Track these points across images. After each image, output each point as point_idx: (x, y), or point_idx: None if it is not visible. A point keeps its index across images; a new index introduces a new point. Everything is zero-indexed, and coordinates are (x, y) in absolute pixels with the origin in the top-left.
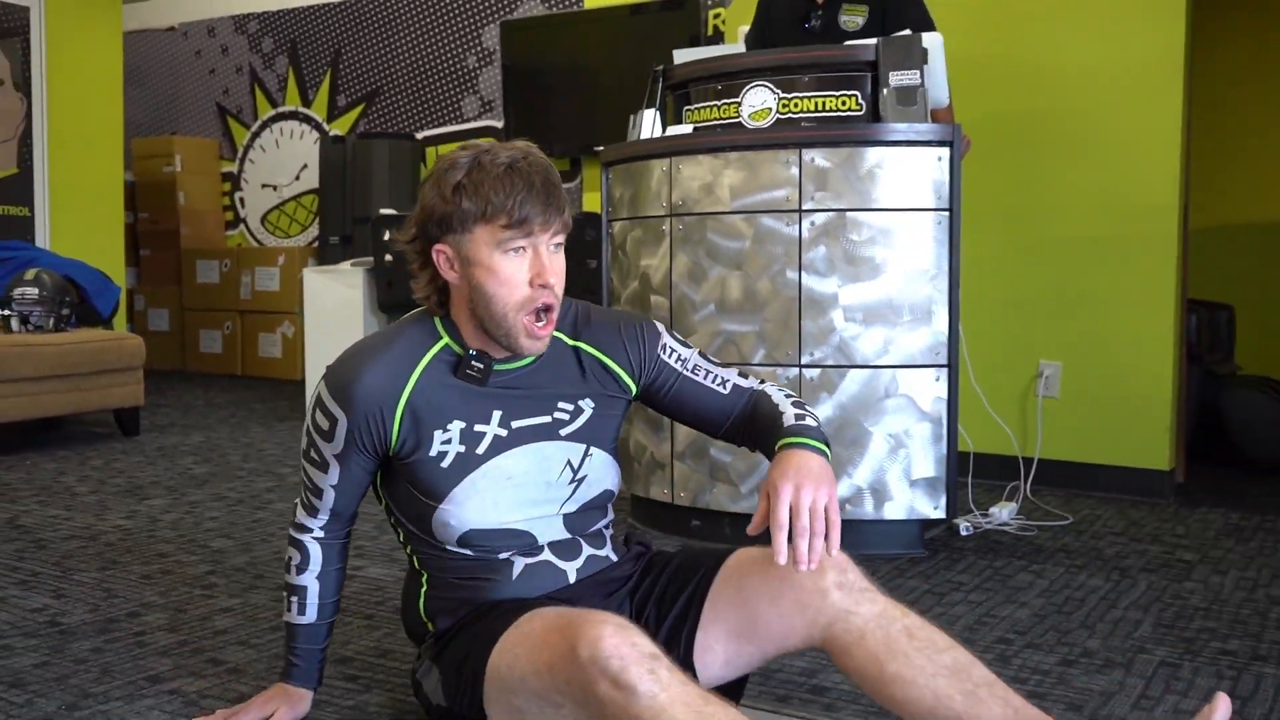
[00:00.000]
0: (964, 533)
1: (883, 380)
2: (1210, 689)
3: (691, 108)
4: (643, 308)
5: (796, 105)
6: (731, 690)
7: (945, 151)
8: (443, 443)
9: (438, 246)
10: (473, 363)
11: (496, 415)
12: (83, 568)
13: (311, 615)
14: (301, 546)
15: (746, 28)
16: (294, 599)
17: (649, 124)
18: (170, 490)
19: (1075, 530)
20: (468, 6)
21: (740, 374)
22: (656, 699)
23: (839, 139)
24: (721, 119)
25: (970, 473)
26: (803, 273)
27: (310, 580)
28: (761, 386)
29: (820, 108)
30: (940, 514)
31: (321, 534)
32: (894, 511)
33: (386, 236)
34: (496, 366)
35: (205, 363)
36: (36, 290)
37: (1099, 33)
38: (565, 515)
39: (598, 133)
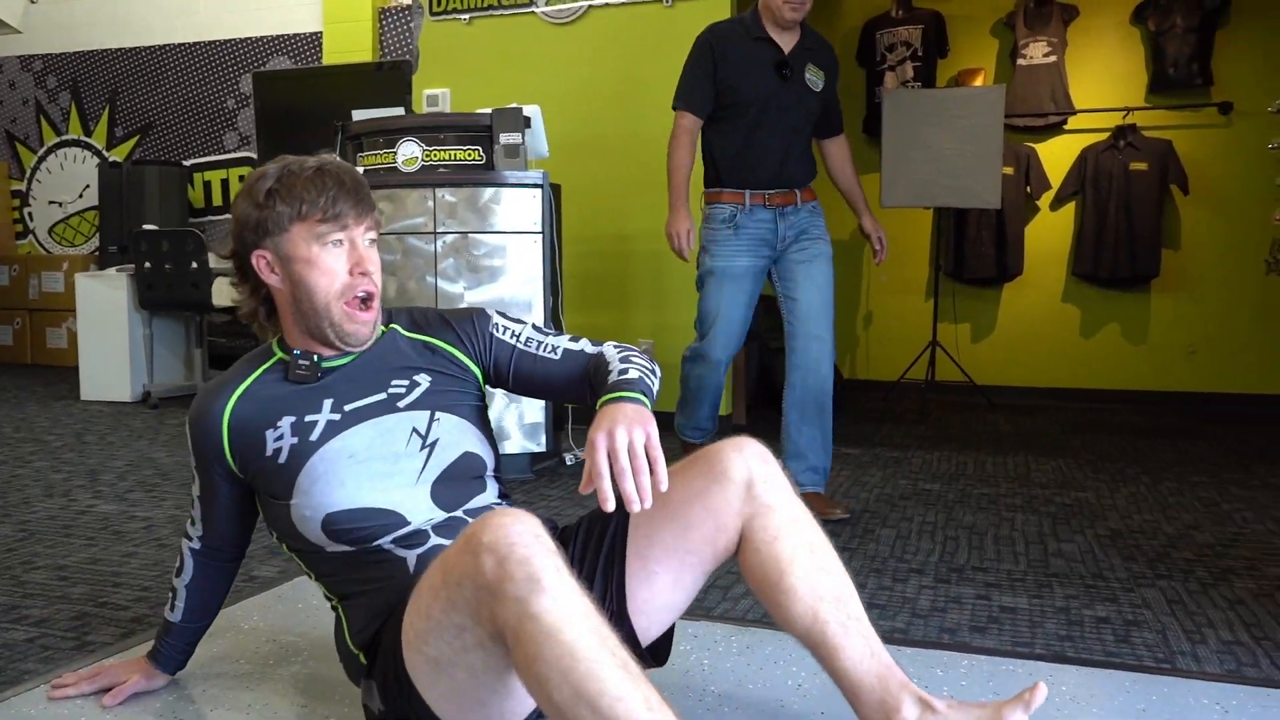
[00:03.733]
0: (569, 462)
1: None
2: None
3: (363, 154)
4: None
5: (436, 155)
6: (659, 647)
7: (539, 191)
8: (275, 440)
9: (257, 253)
10: (299, 361)
11: (328, 403)
12: None
13: (178, 617)
14: (181, 555)
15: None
16: (170, 595)
17: None
18: None
19: None
20: (226, 59)
21: (572, 338)
22: (563, 607)
23: (463, 181)
24: (383, 164)
25: (570, 420)
26: (438, 278)
27: (181, 587)
28: (599, 348)
29: (453, 158)
30: (543, 449)
31: (198, 546)
32: (511, 447)
33: (144, 248)
34: (326, 364)
35: None
36: None
37: (666, 111)
38: (432, 487)
39: None
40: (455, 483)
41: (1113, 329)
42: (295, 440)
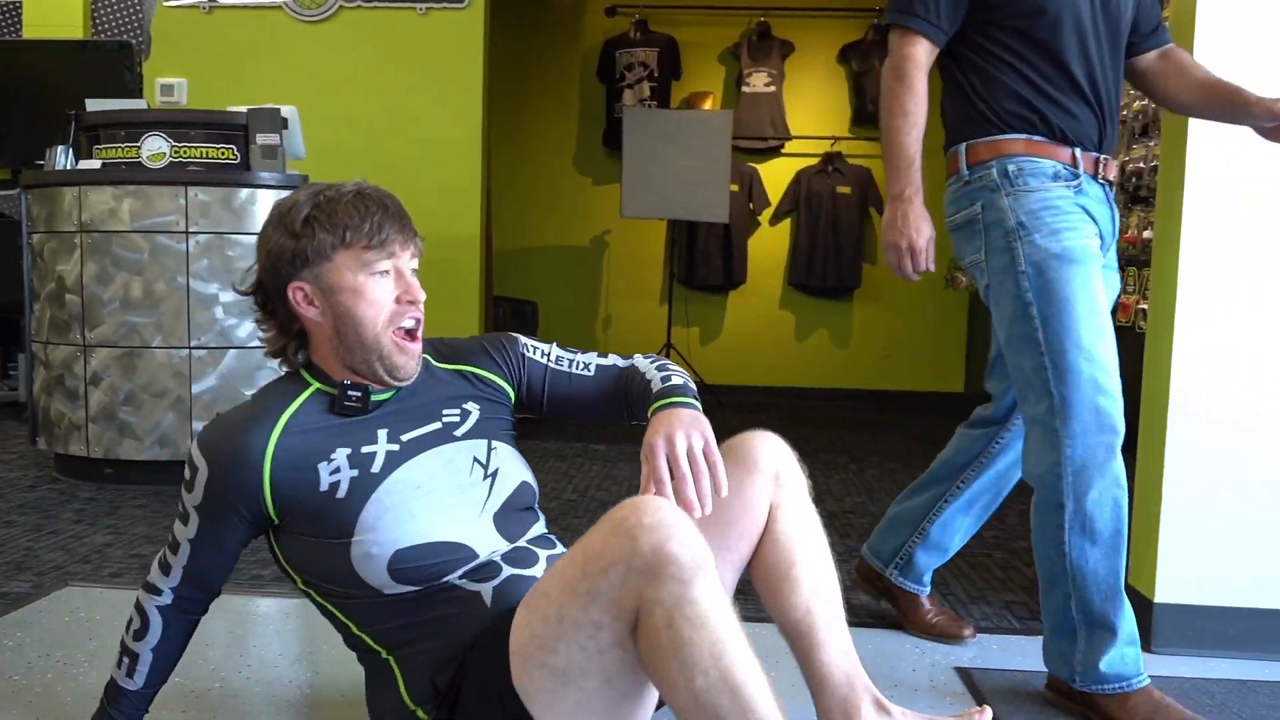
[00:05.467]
0: None
1: (255, 357)
2: None
3: (101, 147)
4: (60, 304)
5: (186, 152)
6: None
7: None
8: (331, 473)
9: (294, 284)
10: (349, 392)
11: (383, 434)
12: None
13: (139, 683)
14: (143, 613)
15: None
16: (125, 660)
17: (62, 158)
18: None
19: None
20: None
21: (601, 355)
22: (715, 597)
23: (217, 180)
24: (125, 158)
25: None
26: (190, 279)
27: (145, 650)
28: (629, 362)
29: (205, 155)
30: None
31: (169, 600)
32: None
33: None
34: (374, 396)
35: None
36: None
37: (421, 115)
38: (495, 518)
39: (44, 149)
40: (513, 513)
41: (821, 333)
42: (355, 473)
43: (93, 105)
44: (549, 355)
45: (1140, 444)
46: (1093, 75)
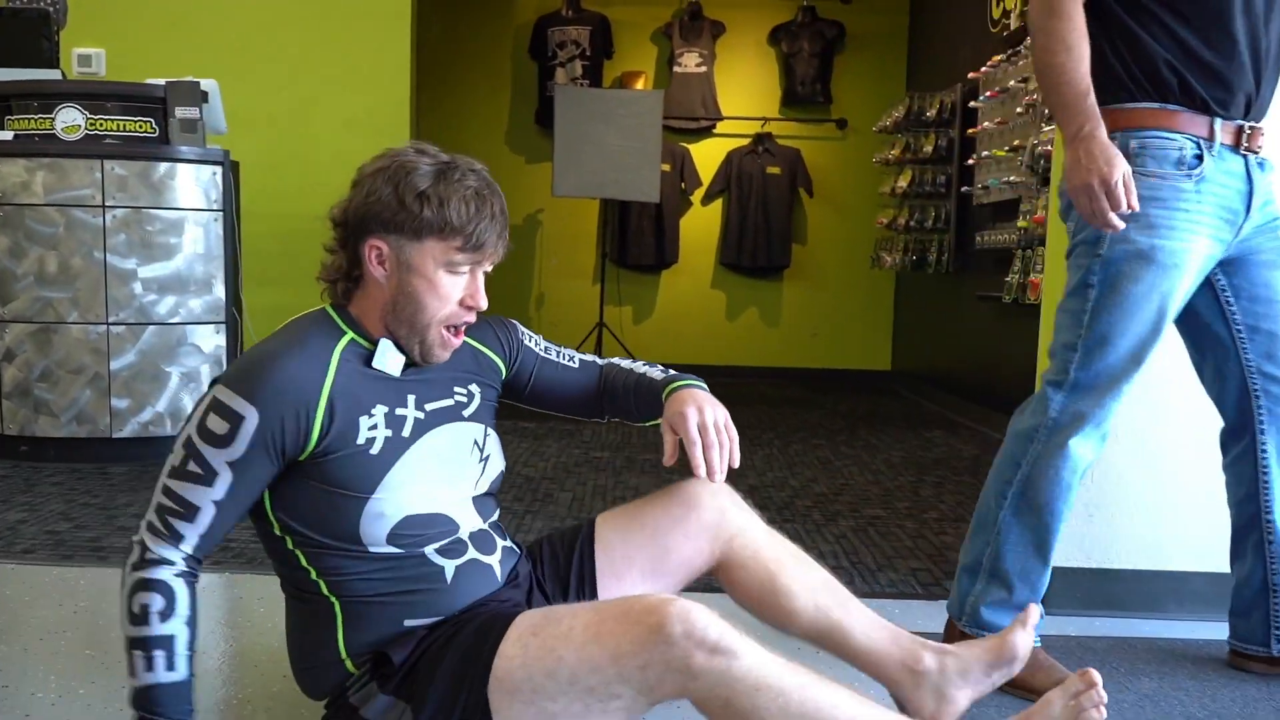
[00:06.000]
0: None
1: (175, 333)
2: None
3: (13, 118)
4: None
5: (102, 125)
6: None
7: (219, 168)
8: (370, 429)
9: (373, 240)
10: (388, 353)
11: (411, 399)
12: None
13: (183, 669)
14: (163, 588)
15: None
16: (159, 653)
17: None
18: None
19: None
20: None
21: (579, 351)
22: (758, 660)
23: (135, 154)
24: (38, 130)
25: None
26: (108, 254)
27: (179, 627)
28: (607, 360)
29: (122, 128)
30: None
31: (184, 567)
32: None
33: None
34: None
35: None
36: None
37: (346, 89)
38: (475, 498)
39: None
40: (486, 498)
41: (752, 312)
42: (390, 433)
43: (4, 75)
44: (539, 345)
45: None
46: (1254, 31)
